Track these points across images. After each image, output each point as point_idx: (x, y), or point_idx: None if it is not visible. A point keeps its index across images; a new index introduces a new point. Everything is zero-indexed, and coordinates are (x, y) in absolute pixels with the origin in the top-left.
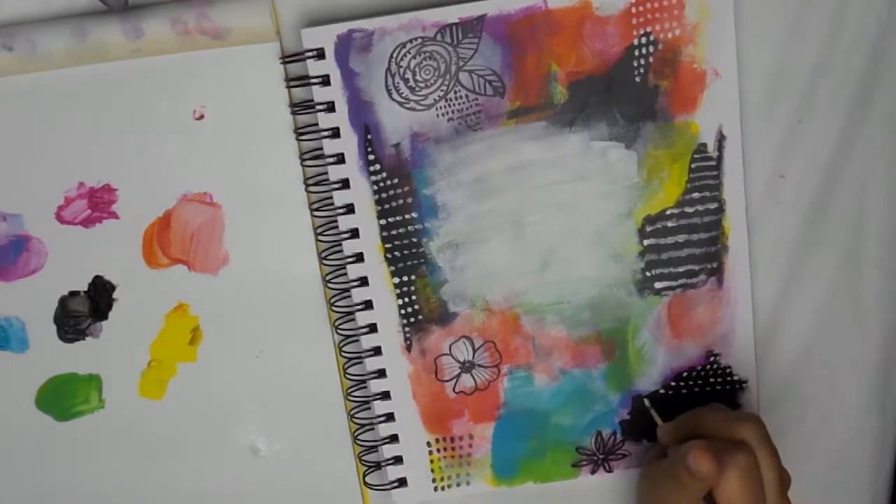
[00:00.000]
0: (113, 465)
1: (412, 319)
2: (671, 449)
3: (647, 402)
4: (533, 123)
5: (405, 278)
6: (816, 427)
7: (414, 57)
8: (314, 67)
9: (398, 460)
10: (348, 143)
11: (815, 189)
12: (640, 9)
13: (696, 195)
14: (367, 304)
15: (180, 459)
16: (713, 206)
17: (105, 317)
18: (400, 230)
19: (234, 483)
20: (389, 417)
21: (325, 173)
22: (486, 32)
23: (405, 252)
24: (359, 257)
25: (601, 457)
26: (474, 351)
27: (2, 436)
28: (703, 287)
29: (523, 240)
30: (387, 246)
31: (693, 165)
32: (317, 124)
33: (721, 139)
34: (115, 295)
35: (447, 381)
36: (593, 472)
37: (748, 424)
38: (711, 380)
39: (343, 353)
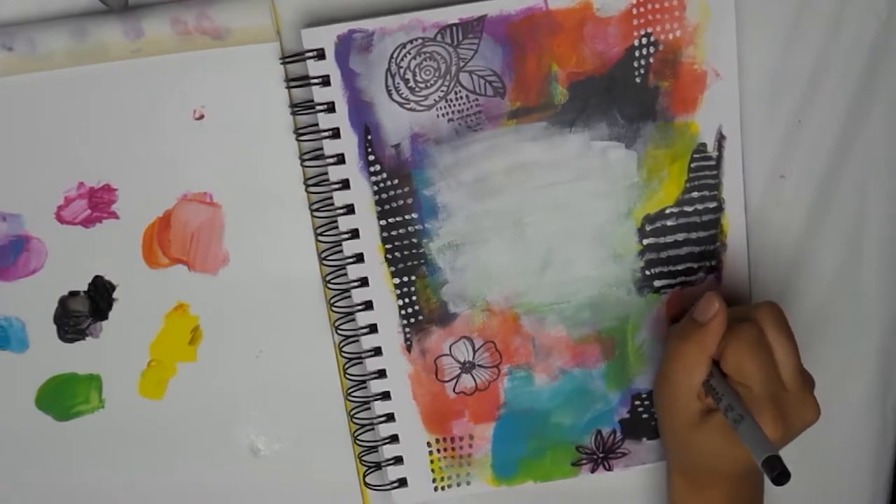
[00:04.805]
0: (113, 465)
1: (412, 320)
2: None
3: None
4: (533, 124)
5: (405, 279)
6: (816, 427)
7: (414, 57)
8: (314, 68)
9: (398, 461)
10: (348, 143)
11: (815, 189)
12: (641, 10)
13: (695, 194)
14: (368, 305)
15: (180, 459)
16: (712, 204)
17: (105, 317)
18: (400, 231)
19: (234, 483)
20: (389, 418)
21: (326, 174)
22: (486, 33)
23: (405, 253)
24: (359, 258)
25: (601, 455)
26: (474, 351)
27: (2, 436)
28: (703, 285)
29: (523, 240)
30: (387, 246)
31: (693, 165)
32: (317, 125)
33: (721, 139)
34: (115, 295)
35: (447, 381)
36: (593, 471)
37: (761, 306)
38: None
39: (343, 354)
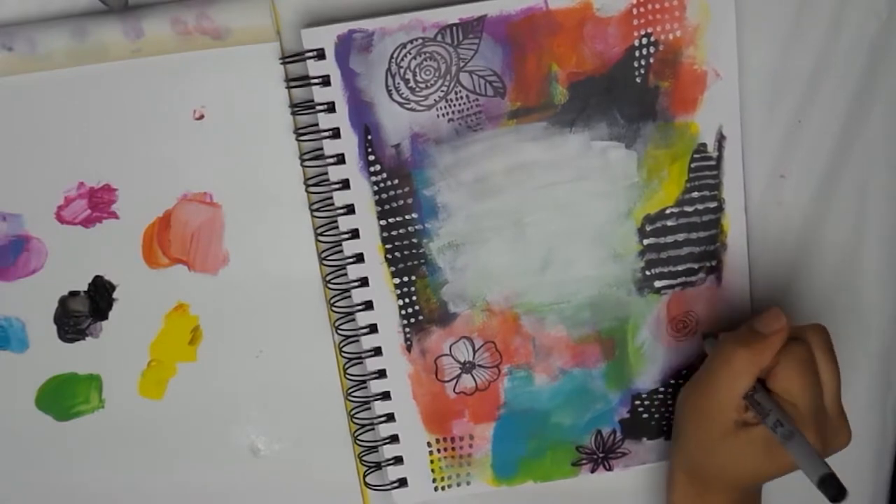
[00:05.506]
0: (113, 465)
1: (412, 320)
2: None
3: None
4: (533, 124)
5: (405, 279)
6: None
7: (414, 57)
8: (314, 68)
9: (398, 461)
10: (348, 143)
11: (815, 189)
12: (641, 10)
13: (695, 194)
14: (368, 305)
15: (180, 459)
16: (713, 204)
17: (105, 317)
18: (400, 231)
19: (234, 483)
20: (390, 418)
21: (326, 174)
22: (486, 33)
23: (405, 253)
24: (359, 258)
25: (601, 455)
26: (474, 351)
27: (2, 436)
28: (703, 285)
29: (523, 240)
30: (387, 247)
31: (693, 165)
32: (317, 125)
33: (721, 139)
34: (115, 295)
35: (447, 381)
36: (593, 471)
37: (811, 328)
38: None
39: (343, 354)
